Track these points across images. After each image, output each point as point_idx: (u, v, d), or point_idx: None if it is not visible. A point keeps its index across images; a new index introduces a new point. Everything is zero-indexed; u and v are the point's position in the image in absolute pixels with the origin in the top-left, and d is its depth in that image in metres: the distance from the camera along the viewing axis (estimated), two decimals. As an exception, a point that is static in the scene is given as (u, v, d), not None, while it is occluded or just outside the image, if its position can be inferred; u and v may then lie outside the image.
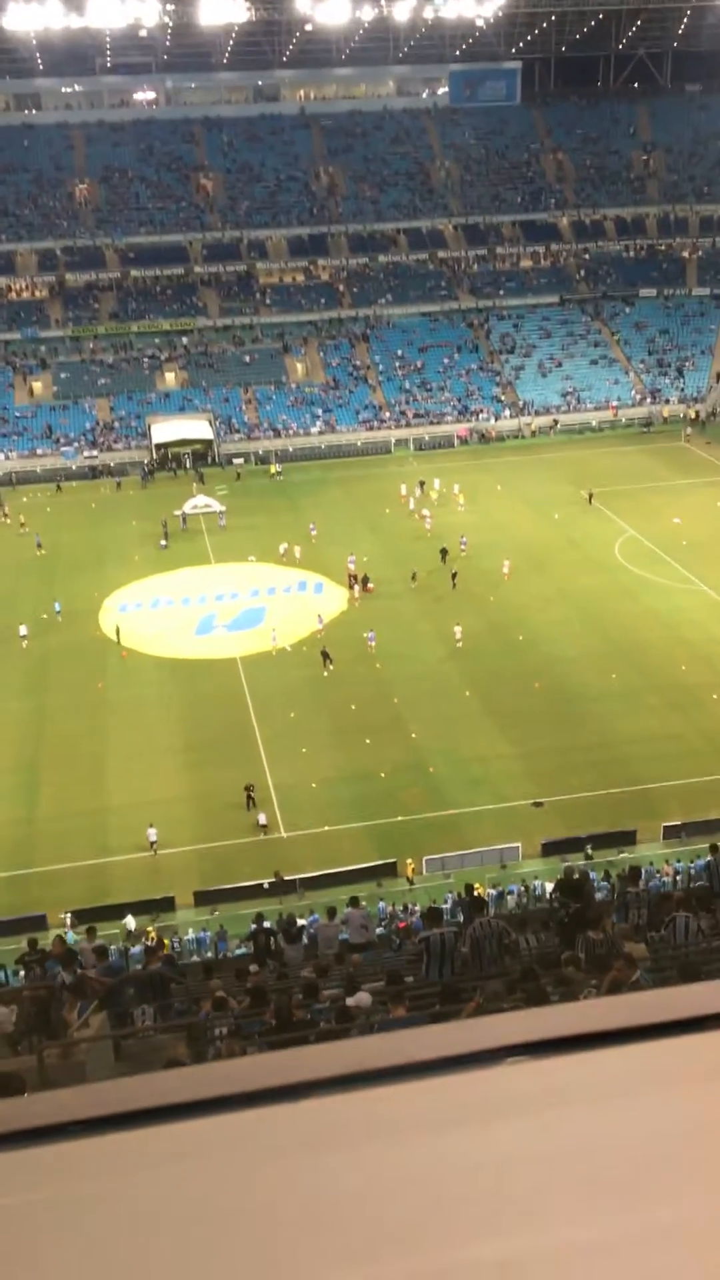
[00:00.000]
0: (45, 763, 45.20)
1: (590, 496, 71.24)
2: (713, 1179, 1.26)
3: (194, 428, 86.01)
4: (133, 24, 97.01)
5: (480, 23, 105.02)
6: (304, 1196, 1.26)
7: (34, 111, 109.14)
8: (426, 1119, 1.40)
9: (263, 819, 40.33)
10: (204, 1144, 1.39)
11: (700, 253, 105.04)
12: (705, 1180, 1.26)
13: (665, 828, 39.07)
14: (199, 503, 73.48)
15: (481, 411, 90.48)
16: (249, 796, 41.15)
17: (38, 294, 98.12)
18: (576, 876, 18.08)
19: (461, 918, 19.89)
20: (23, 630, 55.91)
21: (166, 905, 36.91)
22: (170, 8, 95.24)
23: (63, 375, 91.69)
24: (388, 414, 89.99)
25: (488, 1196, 1.23)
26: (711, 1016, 1.54)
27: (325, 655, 51.44)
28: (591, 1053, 1.49)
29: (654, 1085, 1.45)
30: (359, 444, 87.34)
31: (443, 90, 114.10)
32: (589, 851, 37.98)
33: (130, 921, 34.64)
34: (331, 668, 51.03)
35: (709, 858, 22.15)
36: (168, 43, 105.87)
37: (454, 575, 59.86)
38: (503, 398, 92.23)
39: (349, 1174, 1.30)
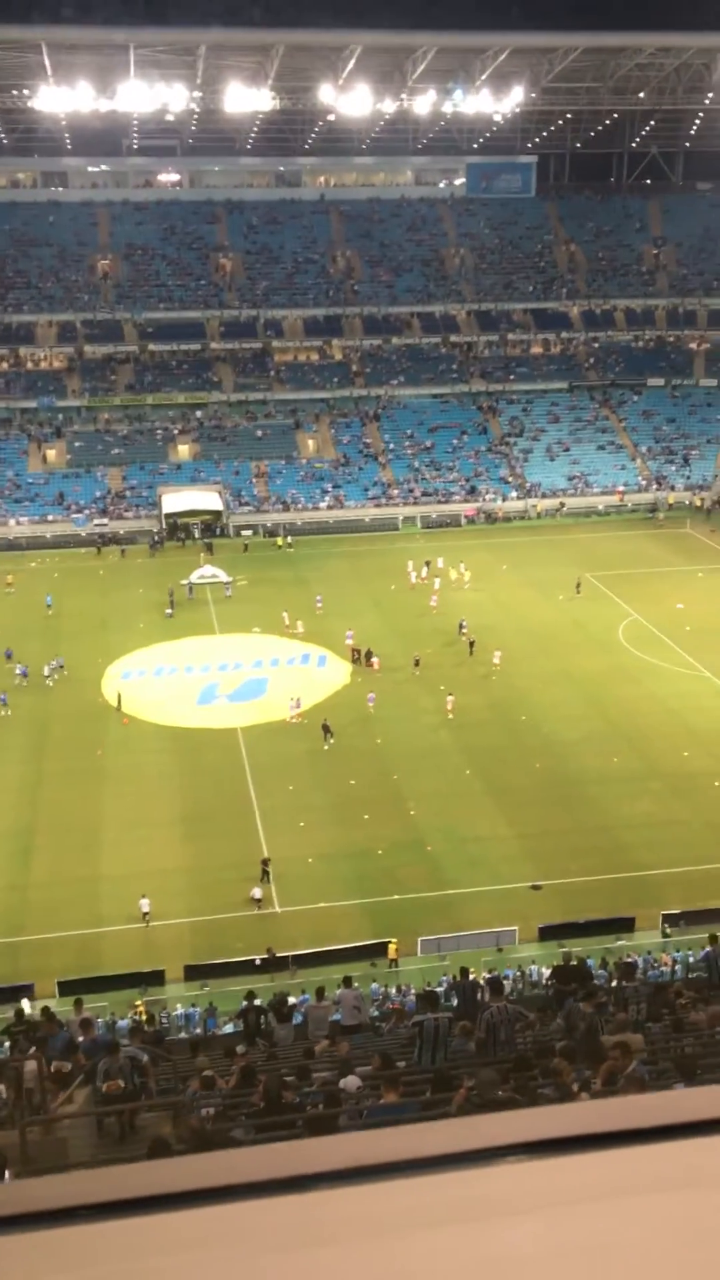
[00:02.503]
0: (40, 828, 44.81)
1: (579, 586, 70.76)
2: None
3: (204, 499, 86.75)
4: (160, 109, 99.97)
5: (498, 118, 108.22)
6: None
7: (60, 189, 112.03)
8: (428, 1215, 1.36)
9: (257, 893, 39.87)
10: (201, 1236, 1.35)
11: (708, 345, 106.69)
12: None
13: (664, 916, 38.58)
14: (206, 573, 73.88)
15: (489, 492, 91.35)
16: (265, 871, 40.69)
17: (56, 364, 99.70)
18: (574, 963, 17.82)
19: (455, 1002, 19.54)
20: (20, 670, 57.68)
21: (156, 979, 36.34)
22: (197, 95, 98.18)
23: (77, 444, 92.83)
24: (396, 491, 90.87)
25: None
26: (715, 1121, 1.50)
27: (326, 729, 51.27)
28: (596, 1153, 1.44)
29: (657, 1188, 1.40)
30: (367, 519, 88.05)
31: (459, 181, 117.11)
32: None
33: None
34: (332, 741, 50.84)
35: (709, 948, 21.83)
36: (193, 127, 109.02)
37: (471, 644, 60.77)
38: (510, 479, 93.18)
39: (349, 1270, 1.27)
